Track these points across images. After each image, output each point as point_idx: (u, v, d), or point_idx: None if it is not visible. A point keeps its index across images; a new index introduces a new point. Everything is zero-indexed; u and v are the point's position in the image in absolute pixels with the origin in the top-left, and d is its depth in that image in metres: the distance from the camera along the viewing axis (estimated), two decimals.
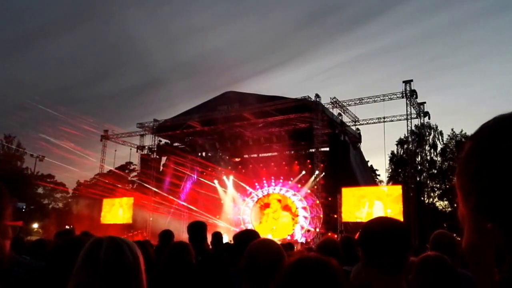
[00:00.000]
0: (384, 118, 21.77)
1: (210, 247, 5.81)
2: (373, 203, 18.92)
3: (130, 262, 1.39)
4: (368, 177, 25.45)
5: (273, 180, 22.38)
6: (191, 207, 23.03)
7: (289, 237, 20.06)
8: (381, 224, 1.77)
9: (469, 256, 0.60)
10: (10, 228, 1.09)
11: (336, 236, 17.15)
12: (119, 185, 26.51)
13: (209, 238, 5.92)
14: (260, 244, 2.10)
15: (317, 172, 20.72)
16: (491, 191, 0.55)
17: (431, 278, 2.34)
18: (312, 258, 1.30)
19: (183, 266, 3.15)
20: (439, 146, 33.49)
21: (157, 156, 26.46)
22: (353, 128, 23.52)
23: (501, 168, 0.54)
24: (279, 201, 22.47)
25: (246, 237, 2.76)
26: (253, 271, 1.97)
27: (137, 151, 27.00)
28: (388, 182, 33.05)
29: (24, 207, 24.55)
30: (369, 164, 30.34)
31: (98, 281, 1.33)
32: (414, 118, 20.97)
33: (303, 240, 20.03)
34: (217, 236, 5.87)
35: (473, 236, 0.58)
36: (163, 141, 26.74)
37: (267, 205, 22.75)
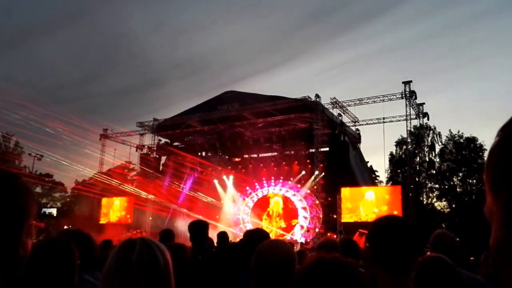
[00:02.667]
0: (383, 118, 21.85)
1: (216, 246, 5.79)
2: (374, 204, 18.97)
3: (161, 265, 1.38)
4: (368, 177, 25.51)
5: (273, 180, 22.40)
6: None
7: (289, 237, 20.09)
8: (392, 223, 1.74)
9: (497, 253, 0.56)
10: (33, 228, 1.11)
11: (335, 236, 17.19)
12: (118, 184, 26.45)
13: (215, 238, 5.91)
14: (271, 244, 2.09)
15: (316, 172, 20.75)
16: None
17: (431, 279, 2.36)
18: (335, 258, 1.30)
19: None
20: (438, 147, 33.57)
21: (157, 156, 26.43)
22: (353, 128, 23.57)
23: None
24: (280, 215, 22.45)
25: (257, 236, 2.76)
26: (263, 271, 1.96)
27: (136, 151, 26.98)
28: (387, 183, 33.10)
29: (55, 212, 24.41)
30: (368, 165, 30.40)
31: (131, 284, 1.33)
32: (413, 119, 21.06)
33: (302, 240, 20.05)
34: (223, 236, 5.86)
35: (503, 233, 0.54)
36: (163, 140, 26.74)
37: (265, 205, 22.74)
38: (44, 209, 26.06)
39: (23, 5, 79.75)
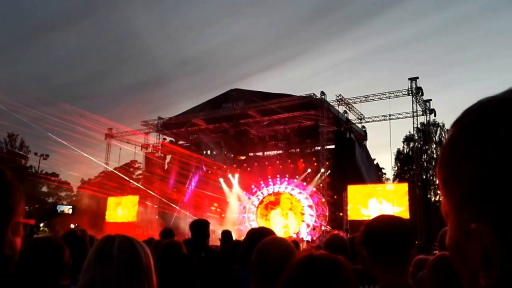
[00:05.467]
0: (389, 115, 21.69)
1: (219, 245, 5.86)
2: (381, 202, 18.80)
3: (142, 259, 1.40)
4: (374, 174, 25.32)
5: (278, 178, 22.28)
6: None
7: (294, 235, 19.98)
8: (383, 223, 1.80)
9: (451, 256, 0.53)
10: (22, 226, 1.08)
11: (342, 234, 17.05)
12: (124, 183, 26.50)
13: (219, 236, 5.98)
14: (271, 241, 2.07)
15: (322, 170, 20.61)
16: (480, 185, 0.46)
17: (447, 277, 2.21)
18: (322, 255, 1.30)
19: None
20: None
21: (162, 154, 26.44)
22: (359, 125, 23.39)
23: (496, 158, 0.45)
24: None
25: (259, 234, 2.69)
26: (263, 268, 1.94)
27: (141, 150, 27.00)
28: (394, 180, 32.87)
29: (71, 211, 24.46)
30: (375, 162, 30.19)
31: (111, 276, 1.34)
32: (420, 115, 20.84)
33: (308, 238, 19.94)
34: (227, 234, 5.89)
35: (455, 235, 0.51)
36: (168, 139, 26.73)
37: (273, 203, 22.63)
38: (59, 206, 26.05)
39: (28, 4, 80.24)
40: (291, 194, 22.03)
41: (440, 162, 0.54)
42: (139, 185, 26.66)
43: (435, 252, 4.91)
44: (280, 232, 20.18)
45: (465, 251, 0.49)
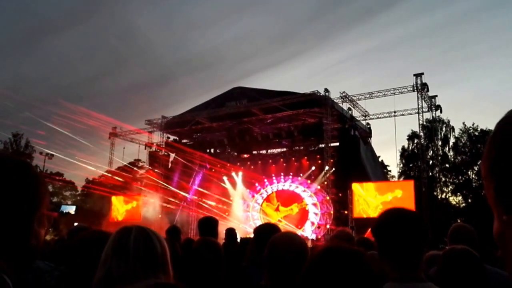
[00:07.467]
0: (394, 112, 21.47)
1: (223, 243, 5.67)
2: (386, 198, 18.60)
3: (158, 251, 1.39)
4: (379, 172, 25.11)
5: (282, 176, 22.15)
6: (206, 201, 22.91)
7: (299, 234, 19.84)
8: (396, 216, 1.73)
9: (497, 242, 0.59)
10: (46, 218, 1.11)
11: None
12: (128, 182, 26.48)
13: (222, 235, 5.80)
14: (283, 236, 2.11)
15: (327, 167, 20.44)
16: (510, 181, 0.52)
17: (458, 271, 2.21)
18: (342, 246, 1.27)
19: (213, 260, 3.06)
20: (451, 140, 32.96)
21: (166, 153, 26.42)
22: (363, 122, 23.18)
23: None
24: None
25: (267, 231, 2.68)
26: (275, 263, 1.96)
27: (145, 148, 26.98)
28: (399, 177, 32.63)
29: (73, 211, 24.50)
30: (380, 159, 29.96)
31: (128, 269, 1.33)
32: (426, 112, 20.61)
33: (313, 236, 19.80)
34: (231, 232, 5.71)
35: (496, 225, 0.58)
36: (172, 137, 26.71)
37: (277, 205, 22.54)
38: (63, 207, 26.10)
39: (33, 5, 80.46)
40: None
41: (482, 159, 0.58)
42: (142, 184, 26.62)
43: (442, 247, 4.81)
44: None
45: (505, 238, 0.55)
